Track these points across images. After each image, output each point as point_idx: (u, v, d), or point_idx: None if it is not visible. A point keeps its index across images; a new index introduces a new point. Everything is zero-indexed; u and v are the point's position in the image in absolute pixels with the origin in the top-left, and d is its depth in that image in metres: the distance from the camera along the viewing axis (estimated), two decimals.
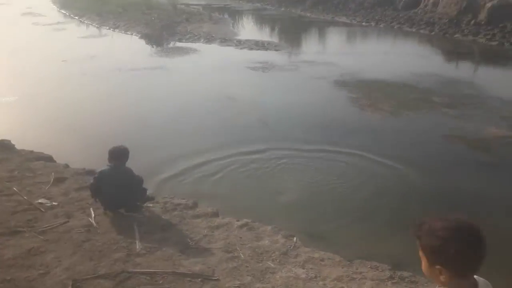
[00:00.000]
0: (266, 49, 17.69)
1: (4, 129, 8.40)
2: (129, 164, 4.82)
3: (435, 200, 5.91)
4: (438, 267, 1.49)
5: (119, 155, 4.67)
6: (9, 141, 7.55)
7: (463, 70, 14.93)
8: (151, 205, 4.95)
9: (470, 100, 10.62)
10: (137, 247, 3.84)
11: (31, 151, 7.12)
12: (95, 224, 4.25)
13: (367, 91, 12.16)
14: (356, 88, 12.33)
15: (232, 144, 7.76)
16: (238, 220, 4.61)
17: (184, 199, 5.26)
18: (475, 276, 1.53)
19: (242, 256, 3.84)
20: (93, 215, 4.48)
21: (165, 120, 9.30)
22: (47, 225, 4.18)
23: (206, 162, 7.05)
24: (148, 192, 5.06)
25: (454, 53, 17.40)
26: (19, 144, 7.60)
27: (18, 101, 10.63)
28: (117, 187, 4.48)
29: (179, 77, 13.63)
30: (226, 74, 14.18)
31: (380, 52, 17.95)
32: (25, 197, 4.85)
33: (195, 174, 6.60)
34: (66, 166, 6.45)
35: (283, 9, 31.36)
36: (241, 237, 4.19)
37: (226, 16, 28.33)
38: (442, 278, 1.49)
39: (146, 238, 4.05)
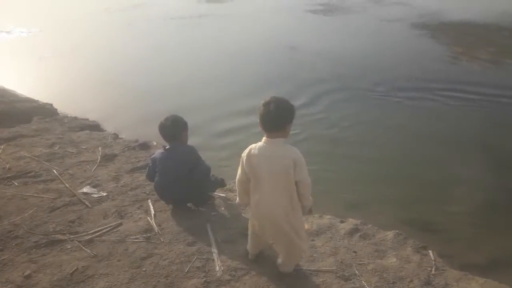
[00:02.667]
0: None
1: (45, 90, 7.48)
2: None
3: None
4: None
5: (168, 132, 3.36)
6: (51, 105, 6.65)
7: None
8: (223, 194, 3.82)
9: None
10: (217, 270, 2.75)
11: (75, 118, 6.18)
12: (156, 229, 3.18)
13: (455, 35, 10.28)
14: (441, 32, 10.46)
15: (303, 101, 6.47)
16: (342, 221, 3.40)
17: None
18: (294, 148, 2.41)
19: None
20: (152, 213, 3.42)
21: (223, 75, 8.05)
22: (94, 231, 3.16)
23: None
24: (216, 175, 3.86)
25: None
26: (62, 107, 6.69)
27: (59, 58, 9.68)
28: (174, 178, 3.30)
29: (232, 25, 12.19)
30: (283, 19, 12.57)
31: None
32: (67, 185, 3.86)
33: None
34: (115, 136, 5.46)
35: None
36: (355, 252, 2.98)
37: None
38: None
39: (227, 252, 2.93)
